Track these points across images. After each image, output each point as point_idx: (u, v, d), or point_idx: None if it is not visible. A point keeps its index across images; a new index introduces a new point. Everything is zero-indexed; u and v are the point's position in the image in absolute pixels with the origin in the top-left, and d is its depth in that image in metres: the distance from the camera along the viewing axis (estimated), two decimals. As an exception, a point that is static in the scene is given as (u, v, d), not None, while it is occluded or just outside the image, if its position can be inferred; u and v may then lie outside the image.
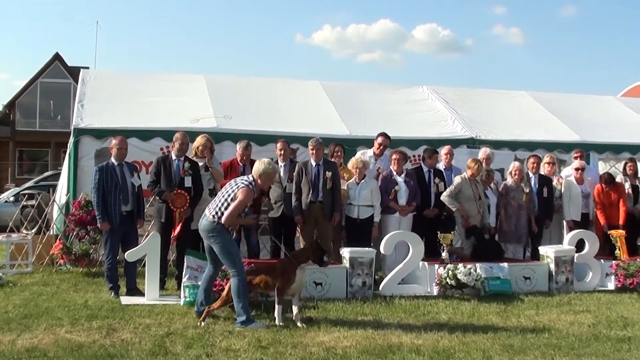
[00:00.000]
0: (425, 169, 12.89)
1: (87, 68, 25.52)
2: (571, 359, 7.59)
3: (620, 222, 13.34)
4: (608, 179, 13.54)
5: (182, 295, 10.03)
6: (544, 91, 20.61)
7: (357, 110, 16.26)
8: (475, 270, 11.06)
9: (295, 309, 8.95)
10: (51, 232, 13.69)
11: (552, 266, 11.72)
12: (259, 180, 8.88)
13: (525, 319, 9.49)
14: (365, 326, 8.73)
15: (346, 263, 10.93)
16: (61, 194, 14.02)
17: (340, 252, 11.34)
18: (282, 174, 12.22)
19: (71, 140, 13.69)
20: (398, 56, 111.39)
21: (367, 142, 13.91)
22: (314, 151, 11.96)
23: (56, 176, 19.58)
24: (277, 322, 8.77)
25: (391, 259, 11.89)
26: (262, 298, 9.77)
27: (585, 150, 15.26)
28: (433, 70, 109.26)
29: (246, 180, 8.88)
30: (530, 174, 13.38)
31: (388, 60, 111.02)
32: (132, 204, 10.90)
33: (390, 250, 11.45)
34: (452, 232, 11.95)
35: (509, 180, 13.19)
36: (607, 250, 12.80)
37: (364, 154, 13.16)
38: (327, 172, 11.86)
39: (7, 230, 13.99)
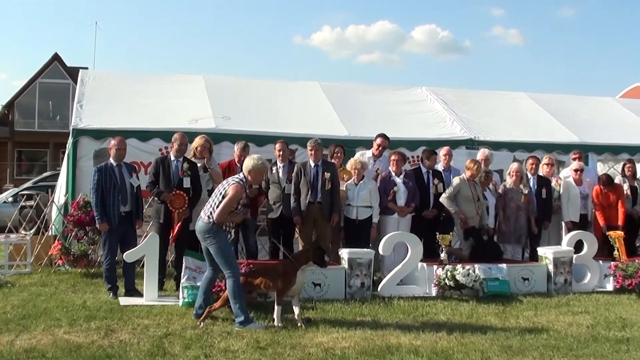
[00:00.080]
0: (424, 169, 12.89)
1: (86, 68, 25.57)
2: (569, 360, 7.62)
3: (619, 223, 13.35)
4: (606, 180, 13.55)
5: (180, 296, 10.03)
6: (542, 92, 20.63)
7: (356, 111, 16.25)
8: (474, 271, 11.06)
9: (296, 309, 8.98)
10: (50, 233, 13.67)
11: (551, 267, 11.73)
12: (249, 177, 8.93)
13: (524, 320, 9.49)
14: (363, 327, 8.74)
15: (345, 264, 10.93)
16: (60, 195, 14.01)
17: (339, 253, 11.34)
18: (280, 174, 12.23)
19: (70, 140, 13.66)
20: (397, 57, 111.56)
21: (366, 143, 13.91)
22: (313, 152, 11.96)
23: (55, 177, 19.56)
24: (276, 322, 8.78)
25: (390, 259, 11.88)
26: (261, 299, 9.78)
27: (584, 151, 15.24)
28: (432, 71, 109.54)
29: (237, 178, 8.94)
30: (529, 175, 13.38)
31: (387, 61, 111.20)
32: (131, 205, 10.90)
33: (388, 251, 11.45)
34: (451, 233, 11.96)
35: (508, 181, 13.19)
36: (605, 251, 12.81)
37: (363, 155, 13.18)
38: (325, 173, 11.86)
39: (6, 231, 13.99)
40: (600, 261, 12.32)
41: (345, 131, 14.84)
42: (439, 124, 16.15)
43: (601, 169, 16.27)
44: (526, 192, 12.92)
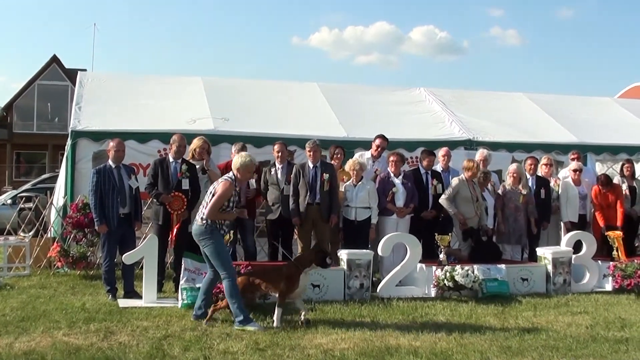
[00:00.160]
0: (422, 170, 12.90)
1: (85, 70, 25.50)
2: (569, 361, 7.63)
3: (618, 223, 13.35)
4: (605, 180, 13.54)
5: (179, 298, 10.02)
6: (541, 93, 20.66)
7: (355, 112, 16.26)
8: (473, 272, 11.06)
9: (301, 309, 9.05)
10: (49, 235, 13.66)
11: (550, 267, 11.73)
12: (238, 174, 8.97)
13: (523, 321, 9.50)
14: (363, 328, 8.73)
15: (344, 265, 10.93)
16: (59, 197, 14.02)
17: (338, 254, 11.34)
18: (279, 176, 12.24)
19: (69, 142, 13.67)
20: (395, 58, 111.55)
21: (365, 144, 13.91)
22: (312, 153, 11.96)
23: (53, 179, 19.56)
24: (275, 324, 8.78)
25: (389, 260, 11.88)
26: (260, 300, 9.78)
27: (583, 151, 15.24)
28: (430, 72, 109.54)
29: (226, 176, 9.01)
30: (528, 176, 13.37)
31: (385, 62, 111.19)
32: (130, 207, 10.90)
33: (387, 252, 11.45)
34: (450, 234, 11.96)
35: (507, 182, 13.19)
36: (604, 251, 12.80)
37: (362, 156, 13.19)
38: (324, 174, 11.86)
39: (5, 233, 13.98)
40: (599, 261, 12.32)
41: (344, 132, 14.85)
42: (437, 125, 16.16)
43: (600, 169, 16.29)
44: (525, 192, 12.91)
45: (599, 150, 16.13)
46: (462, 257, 11.95)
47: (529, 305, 10.56)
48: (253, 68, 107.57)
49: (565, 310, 10.25)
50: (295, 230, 12.28)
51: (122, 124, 13.83)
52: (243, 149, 12.13)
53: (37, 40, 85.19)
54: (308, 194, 11.85)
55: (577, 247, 12.25)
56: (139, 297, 10.44)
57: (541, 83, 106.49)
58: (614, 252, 12.51)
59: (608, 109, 19.38)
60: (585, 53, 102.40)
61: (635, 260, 12.15)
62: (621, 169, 14.43)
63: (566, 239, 12.34)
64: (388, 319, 9.43)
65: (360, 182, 12.12)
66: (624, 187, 13.91)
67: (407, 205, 12.39)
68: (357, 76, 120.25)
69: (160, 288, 10.93)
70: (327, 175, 11.88)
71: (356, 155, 13.31)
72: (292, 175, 12.01)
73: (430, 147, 13.66)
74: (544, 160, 13.95)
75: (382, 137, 13.25)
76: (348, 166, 12.37)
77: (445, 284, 10.98)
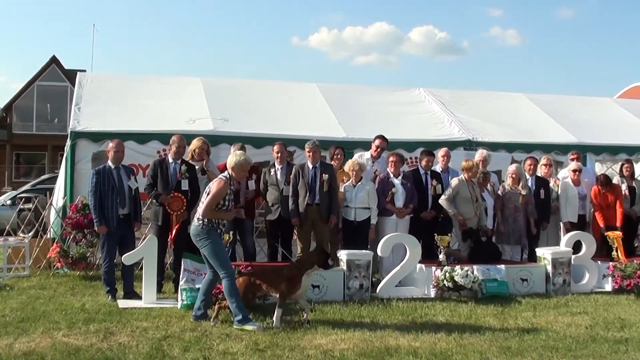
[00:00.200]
0: (422, 171, 12.90)
1: (84, 71, 25.50)
2: (568, 361, 7.63)
3: (618, 223, 13.33)
4: (604, 180, 13.53)
5: (179, 298, 10.02)
6: (540, 93, 20.66)
7: (354, 113, 16.26)
8: (473, 272, 11.06)
9: (305, 308, 9.12)
10: (48, 236, 13.67)
11: (549, 268, 11.72)
12: (232, 173, 9.02)
13: (523, 321, 9.50)
14: (362, 328, 8.74)
15: (343, 265, 10.93)
16: (58, 197, 14.02)
17: (338, 255, 11.33)
18: (279, 176, 12.24)
19: (68, 143, 13.67)
20: (394, 58, 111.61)
21: (364, 145, 13.92)
22: (311, 154, 11.96)
23: (53, 179, 19.55)
24: (275, 324, 8.78)
25: (388, 261, 11.89)
26: (259, 301, 9.78)
27: (582, 151, 15.24)
28: (430, 73, 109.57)
29: (221, 175, 9.08)
30: (527, 176, 13.37)
31: (384, 63, 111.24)
32: (129, 207, 10.90)
33: (387, 253, 11.45)
34: (450, 235, 11.95)
35: (507, 182, 13.20)
36: (604, 251, 12.80)
37: (361, 157, 13.19)
38: (323, 175, 11.86)
39: (4, 234, 13.98)
40: (599, 262, 12.32)
41: (343, 133, 14.84)
42: (436, 125, 16.16)
43: (599, 169, 16.28)
44: (524, 193, 12.90)
45: (599, 150, 16.13)
46: (462, 257, 11.95)
47: (528, 306, 10.56)
48: (252, 68, 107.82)
49: (565, 311, 10.25)
50: (294, 230, 12.27)
51: (122, 125, 13.83)
52: (242, 149, 12.12)
53: (36, 41, 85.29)
54: (307, 194, 11.85)
55: (576, 247, 12.24)
56: (139, 297, 10.44)
57: (541, 83, 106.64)
58: (614, 253, 12.50)
59: (607, 109, 19.38)
60: (584, 53, 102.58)
61: (635, 261, 12.15)
62: (620, 169, 14.41)
63: (566, 239, 12.34)
64: (388, 320, 9.44)
65: (359, 183, 12.12)
66: (624, 187, 13.89)
67: (407, 205, 12.39)
68: (356, 77, 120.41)
69: (159, 289, 10.92)
70: (327, 175, 11.88)
71: (356, 156, 13.31)
72: (291, 176, 12.02)
73: (429, 148, 13.66)
74: (543, 161, 13.95)
75: (381, 137, 13.24)
76: (347, 167, 12.36)
77: (444, 285, 10.98)
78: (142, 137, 13.63)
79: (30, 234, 14.21)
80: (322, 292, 10.62)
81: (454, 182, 12.37)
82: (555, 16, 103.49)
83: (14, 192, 23.01)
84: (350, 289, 10.81)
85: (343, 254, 11.07)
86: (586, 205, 13.73)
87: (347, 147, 13.61)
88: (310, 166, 11.97)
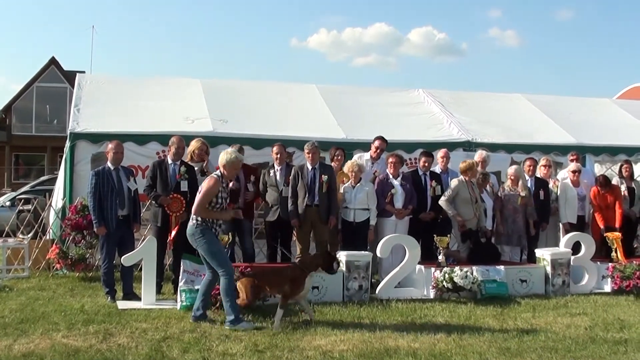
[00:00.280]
0: (421, 172, 12.90)
1: (83, 72, 25.48)
2: (568, 362, 7.63)
3: (617, 224, 13.31)
4: (604, 181, 13.52)
5: (178, 300, 10.02)
6: (539, 94, 20.67)
7: (353, 114, 16.26)
8: (472, 273, 11.06)
9: (306, 309, 9.24)
10: (47, 237, 13.66)
11: (549, 269, 11.72)
12: (224, 171, 9.03)
13: (522, 322, 9.50)
14: (362, 329, 8.73)
15: (342, 267, 10.92)
16: (57, 199, 14.02)
17: (337, 256, 11.32)
18: (278, 177, 12.24)
19: (67, 144, 13.66)
20: (393, 59, 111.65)
21: (363, 146, 13.92)
22: (310, 155, 11.97)
23: (52, 181, 19.53)
24: (275, 325, 8.77)
25: (387, 262, 11.89)
26: (259, 302, 9.78)
27: (581, 152, 15.25)
28: (429, 74, 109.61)
29: (213, 174, 9.11)
30: (527, 177, 13.36)
31: (383, 64, 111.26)
32: (129, 209, 10.90)
33: (386, 254, 11.45)
34: (449, 235, 11.95)
35: (506, 184, 13.20)
36: (603, 252, 12.79)
37: (360, 158, 13.18)
38: (323, 176, 11.86)
39: (4, 235, 14.00)
40: (598, 262, 12.31)
41: (343, 134, 14.84)
42: (436, 126, 16.17)
43: (598, 170, 16.26)
44: (524, 194, 12.88)
45: (598, 151, 16.13)
46: (461, 258, 11.96)
47: (527, 307, 10.55)
48: (251, 70, 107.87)
49: (564, 312, 10.25)
50: (294, 231, 12.27)
51: (121, 126, 13.82)
52: (240, 151, 12.12)
53: (35, 42, 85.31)
54: (307, 195, 11.86)
55: (575, 248, 12.24)
56: (138, 298, 10.44)
57: (540, 84, 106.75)
58: (613, 254, 12.49)
59: (607, 110, 19.39)
60: (583, 54, 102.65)
61: (634, 262, 12.14)
62: (620, 170, 14.40)
63: (565, 240, 12.33)
64: (387, 321, 9.44)
65: (358, 184, 12.12)
66: (623, 188, 13.88)
67: (406, 206, 12.39)
68: (355, 78, 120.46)
69: (159, 290, 10.92)
70: (326, 176, 11.89)
71: (355, 157, 13.31)
72: (290, 177, 12.03)
73: (429, 149, 13.65)
74: (542, 162, 13.94)
75: (381, 138, 13.24)
76: (346, 168, 12.36)
77: (444, 286, 10.98)
78: (142, 139, 13.62)
79: (30, 235, 14.21)
80: (321, 293, 10.61)
81: (453, 183, 12.37)
82: (554, 17, 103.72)
83: (13, 194, 23.02)
84: (350, 290, 10.80)
85: (342, 255, 11.07)
86: (585, 206, 13.73)
87: (346, 148, 13.61)
88: (310, 167, 11.97)
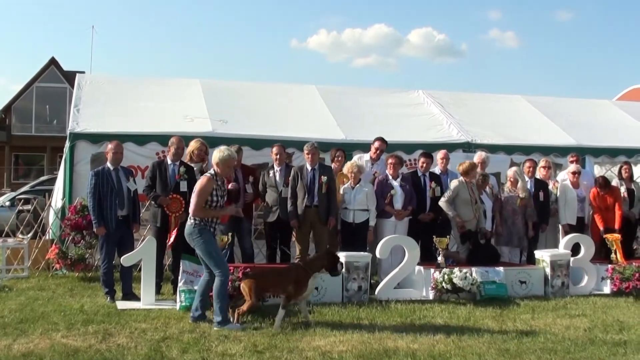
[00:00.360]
0: (420, 173, 12.89)
1: (83, 73, 25.48)
2: (567, 363, 7.63)
3: (616, 226, 13.29)
4: (603, 182, 13.50)
5: (178, 300, 10.02)
6: (539, 95, 20.66)
7: (353, 115, 16.26)
8: (471, 275, 11.05)
9: (304, 312, 9.20)
10: (47, 237, 13.66)
11: (548, 270, 11.71)
12: (218, 170, 9.02)
13: (521, 323, 9.49)
14: (361, 330, 8.73)
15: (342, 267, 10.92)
16: (57, 199, 14.02)
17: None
18: (277, 178, 12.24)
19: (67, 144, 13.67)
20: (393, 60, 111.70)
21: (363, 147, 13.93)
22: (310, 156, 11.97)
23: (52, 181, 19.53)
24: (275, 326, 8.77)
25: (387, 263, 11.89)
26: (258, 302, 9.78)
27: (581, 154, 15.24)
28: (428, 75, 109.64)
29: (207, 172, 9.11)
30: (527, 178, 13.35)
31: (383, 65, 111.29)
32: (128, 209, 10.91)
33: (385, 255, 11.45)
34: (448, 237, 11.93)
35: (506, 185, 13.20)
36: (603, 254, 12.78)
37: (360, 159, 13.18)
38: (322, 177, 11.86)
39: (3, 235, 13.99)
40: (598, 264, 12.30)
41: (342, 134, 14.85)
42: (435, 127, 16.18)
43: (598, 171, 16.26)
44: (523, 195, 12.87)
45: (598, 152, 16.15)
46: (460, 259, 11.96)
47: (527, 308, 10.55)
48: (251, 70, 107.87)
49: (564, 313, 10.25)
50: (293, 232, 12.26)
51: (121, 126, 13.83)
52: (239, 151, 12.10)
53: (35, 43, 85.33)
54: (306, 196, 11.86)
55: (575, 249, 12.24)
56: (137, 299, 10.44)
57: (539, 85, 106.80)
58: (613, 255, 12.48)
59: (606, 111, 19.40)
60: (583, 55, 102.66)
61: (634, 263, 12.14)
62: (619, 171, 14.36)
63: (564, 241, 12.33)
64: (386, 322, 9.43)
65: (358, 185, 12.12)
66: (622, 189, 13.86)
67: (406, 207, 12.39)
68: (355, 78, 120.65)
69: (158, 290, 10.91)
70: (325, 177, 11.88)
71: (355, 158, 13.30)
72: (290, 178, 12.02)
73: (428, 150, 13.66)
74: (542, 163, 13.94)
75: (381, 139, 13.24)
76: (346, 169, 12.36)
77: (443, 287, 10.98)
78: (141, 139, 13.63)
79: (29, 235, 14.21)
80: (320, 294, 10.60)
81: (453, 183, 12.35)
82: (554, 18, 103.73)
83: (13, 194, 23.01)
84: (349, 290, 10.80)
85: (342, 256, 11.05)
86: (585, 208, 13.72)
87: (346, 149, 13.60)
88: (309, 168, 11.98)
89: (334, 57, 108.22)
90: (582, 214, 13.67)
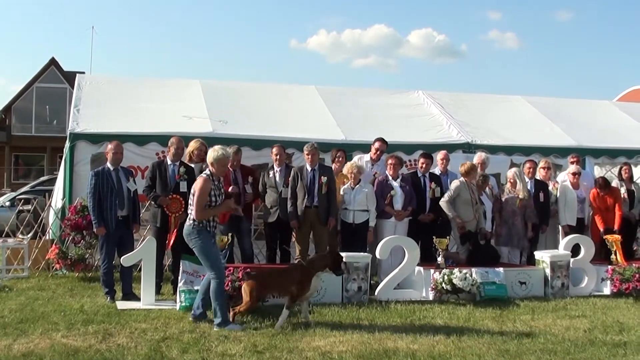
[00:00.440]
0: (420, 173, 12.89)
1: (83, 73, 25.52)
2: (567, 364, 7.63)
3: (616, 227, 13.27)
4: (603, 183, 13.49)
5: (178, 300, 10.02)
6: (539, 96, 20.67)
7: (353, 115, 16.26)
8: (471, 275, 11.06)
9: (304, 313, 9.21)
10: (47, 237, 13.67)
11: (548, 271, 11.71)
12: (213, 169, 9.02)
13: (521, 324, 9.49)
14: (361, 331, 8.74)
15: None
16: (57, 199, 14.03)
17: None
18: (277, 179, 12.24)
19: (67, 145, 13.67)
20: (393, 61, 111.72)
21: (363, 147, 13.93)
22: (310, 156, 11.96)
23: (52, 181, 19.55)
24: (277, 325, 8.79)
25: (387, 263, 11.89)
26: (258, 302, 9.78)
27: (581, 155, 15.22)
28: (428, 75, 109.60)
29: (203, 173, 9.08)
30: (527, 179, 13.33)
31: (383, 65, 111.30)
32: (128, 209, 10.91)
33: (385, 255, 11.45)
34: (448, 237, 11.94)
35: (506, 186, 13.20)
36: (603, 255, 12.78)
37: (360, 159, 13.18)
38: (322, 177, 11.86)
39: (3, 235, 13.99)
40: (598, 265, 12.29)
41: (342, 135, 14.85)
42: (435, 128, 16.18)
43: (598, 172, 16.25)
44: (522, 196, 12.85)
45: (598, 153, 16.14)
46: (460, 260, 11.96)
47: (527, 309, 10.55)
48: (251, 71, 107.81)
49: (564, 314, 10.25)
50: (293, 233, 12.26)
51: (121, 127, 13.83)
52: (238, 151, 12.09)
53: (35, 43, 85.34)
54: (306, 196, 11.85)
55: (575, 250, 12.23)
56: (137, 299, 10.45)
57: (539, 86, 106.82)
58: (613, 256, 12.48)
59: (607, 112, 19.39)
60: (583, 56, 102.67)
61: (634, 264, 12.14)
62: (619, 172, 14.35)
63: (564, 242, 12.32)
64: (386, 322, 9.44)
65: (358, 185, 12.11)
66: (622, 190, 13.85)
67: (405, 208, 12.39)
68: (355, 79, 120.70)
69: (158, 290, 10.92)
70: (325, 178, 11.88)
71: (355, 158, 13.30)
72: (290, 178, 12.01)
73: (428, 150, 13.66)
74: (542, 164, 13.93)
75: (381, 140, 13.24)
76: (346, 169, 12.36)
77: (443, 287, 10.98)
78: (141, 139, 13.63)
79: (29, 235, 14.22)
80: (320, 295, 10.58)
81: (454, 184, 12.34)
82: (554, 19, 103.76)
83: (13, 194, 23.02)
84: (349, 291, 10.80)
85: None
86: (585, 209, 13.71)
87: (346, 150, 13.58)
88: (309, 168, 11.97)
89: (334, 57, 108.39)
90: (582, 215, 13.66)
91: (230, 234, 10.81)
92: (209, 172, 9.00)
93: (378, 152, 13.19)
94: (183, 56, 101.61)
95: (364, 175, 12.44)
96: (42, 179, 27.42)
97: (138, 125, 14.05)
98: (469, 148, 15.15)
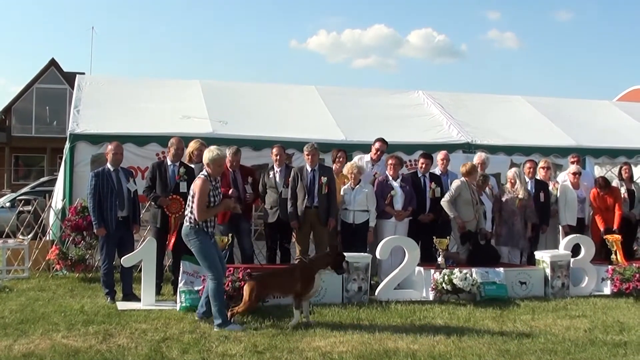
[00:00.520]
0: (420, 173, 12.89)
1: (83, 74, 25.49)
2: (567, 364, 7.63)
3: (615, 226, 13.26)
4: (603, 183, 13.49)
5: (178, 301, 10.02)
6: (539, 96, 20.66)
7: (353, 115, 16.26)
8: (471, 275, 11.06)
9: (304, 312, 9.18)
10: (47, 238, 13.67)
11: (548, 271, 11.71)
12: (209, 170, 9.01)
13: (521, 324, 9.50)
14: (361, 331, 8.74)
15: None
16: (57, 200, 14.03)
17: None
18: (277, 179, 12.24)
19: (67, 145, 13.67)
20: (393, 61, 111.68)
21: (363, 147, 13.92)
22: (310, 156, 11.96)
23: (52, 182, 19.56)
24: (292, 323, 8.88)
25: (387, 264, 11.89)
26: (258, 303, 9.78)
27: (581, 154, 15.21)
28: (428, 75, 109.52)
29: (200, 174, 9.06)
30: (527, 179, 13.33)
31: (383, 65, 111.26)
32: (128, 210, 10.92)
33: (386, 255, 11.46)
34: (448, 237, 11.93)
35: (506, 186, 13.20)
36: (603, 254, 12.78)
37: (360, 159, 13.17)
38: (322, 178, 11.85)
39: (4, 236, 14.00)
40: (598, 265, 12.29)
41: (342, 135, 14.85)
42: (435, 128, 16.17)
43: (598, 172, 16.24)
44: (522, 197, 12.84)
45: (598, 153, 16.14)
46: (461, 260, 11.96)
47: (527, 309, 10.55)
48: (251, 71, 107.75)
49: (564, 314, 10.25)
50: (293, 233, 12.26)
51: (121, 127, 13.84)
52: (238, 152, 12.07)
53: (35, 44, 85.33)
54: (306, 197, 11.85)
55: (575, 250, 12.23)
56: (138, 299, 10.45)
57: (539, 86, 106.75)
58: (613, 256, 12.48)
59: (607, 112, 19.39)
60: (583, 56, 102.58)
61: (634, 264, 12.14)
62: (619, 172, 14.34)
63: (564, 242, 12.32)
64: (386, 322, 9.44)
65: (358, 185, 12.11)
66: (622, 190, 13.85)
67: (406, 208, 12.39)
68: (355, 79, 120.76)
69: (158, 291, 10.92)
70: (325, 178, 11.88)
71: (355, 159, 13.29)
72: (290, 179, 12.01)
73: (428, 151, 13.66)
74: (542, 164, 13.92)
75: (381, 140, 13.24)
76: (346, 169, 12.36)
77: (443, 287, 10.98)
78: (141, 140, 13.63)
79: (30, 236, 14.22)
80: (320, 295, 10.57)
81: (455, 184, 12.34)
82: (554, 19, 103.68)
83: (13, 195, 23.02)
84: (349, 291, 10.80)
85: (342, 257, 11.07)
86: (585, 209, 13.71)
87: (346, 150, 13.57)
88: (309, 169, 11.97)
89: (334, 57, 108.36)
90: (582, 214, 13.66)
91: (230, 235, 10.80)
92: (206, 173, 8.99)
93: (378, 153, 13.19)
94: (183, 56, 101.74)
95: (364, 176, 12.44)
96: (42, 179, 27.45)
97: (138, 126, 14.05)
98: (469, 148, 15.15)
